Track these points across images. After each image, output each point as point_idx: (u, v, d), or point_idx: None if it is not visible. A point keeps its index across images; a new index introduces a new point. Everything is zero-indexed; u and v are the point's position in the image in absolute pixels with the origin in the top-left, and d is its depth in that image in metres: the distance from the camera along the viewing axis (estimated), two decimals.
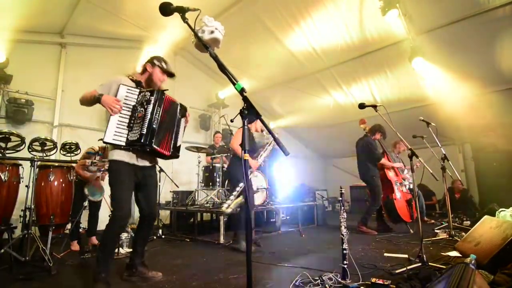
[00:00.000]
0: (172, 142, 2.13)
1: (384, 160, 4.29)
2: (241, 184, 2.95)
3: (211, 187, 4.77)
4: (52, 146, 3.25)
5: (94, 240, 3.42)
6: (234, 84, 1.28)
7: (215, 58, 1.32)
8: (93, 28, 5.12)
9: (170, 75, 2.24)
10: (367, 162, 4.31)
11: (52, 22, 4.78)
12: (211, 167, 4.85)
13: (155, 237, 4.04)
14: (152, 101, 1.95)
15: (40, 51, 4.91)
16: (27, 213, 2.74)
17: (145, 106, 1.95)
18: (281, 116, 8.44)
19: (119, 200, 1.97)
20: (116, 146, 1.97)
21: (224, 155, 5.12)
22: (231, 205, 2.86)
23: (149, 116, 1.93)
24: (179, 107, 2.19)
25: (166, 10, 1.42)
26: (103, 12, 4.56)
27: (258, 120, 3.06)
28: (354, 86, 6.40)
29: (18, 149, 3.13)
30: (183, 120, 2.27)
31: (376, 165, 4.30)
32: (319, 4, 4.66)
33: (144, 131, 1.90)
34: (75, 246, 3.30)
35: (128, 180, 2.02)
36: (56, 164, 3.07)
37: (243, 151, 1.31)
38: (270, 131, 1.53)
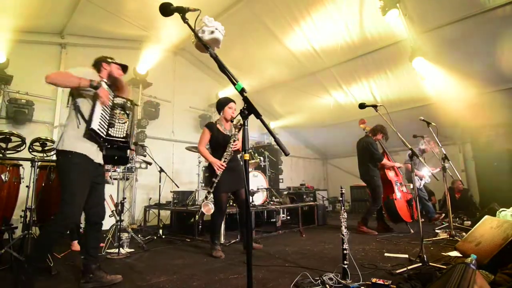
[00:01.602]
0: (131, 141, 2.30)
1: (385, 160, 4.29)
2: (209, 189, 2.94)
3: None
4: (52, 146, 3.25)
5: None
6: (234, 84, 1.28)
7: (215, 58, 1.32)
8: (93, 28, 5.12)
9: (125, 68, 2.34)
10: (368, 162, 4.31)
11: (52, 23, 4.79)
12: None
13: (155, 237, 4.04)
14: (134, 110, 2.22)
15: (40, 51, 4.91)
16: (28, 213, 2.74)
17: (128, 113, 2.17)
18: (281, 116, 8.44)
19: (73, 196, 1.86)
20: (81, 136, 1.94)
21: None
22: (198, 214, 2.92)
23: (131, 121, 2.16)
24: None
25: (166, 10, 1.42)
26: (103, 12, 4.57)
27: (226, 107, 3.09)
28: (354, 86, 6.39)
29: (19, 149, 3.13)
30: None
31: (376, 165, 4.29)
32: (319, 4, 4.66)
33: (129, 132, 2.10)
34: (75, 246, 3.30)
35: (88, 177, 1.97)
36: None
37: (243, 151, 1.31)
38: (270, 131, 1.53)
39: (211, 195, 2.98)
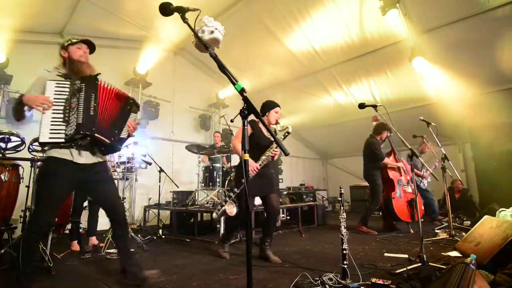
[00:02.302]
0: (115, 131, 1.95)
1: (386, 160, 4.29)
2: (235, 190, 2.72)
3: (211, 187, 4.77)
4: None
5: (94, 240, 3.42)
6: (234, 84, 1.27)
7: (215, 58, 1.32)
8: (93, 28, 5.12)
9: (86, 42, 2.09)
10: (369, 161, 4.33)
11: (52, 22, 4.78)
12: (211, 167, 4.85)
13: (155, 237, 4.04)
14: (84, 88, 1.81)
15: (40, 51, 4.89)
16: (27, 213, 2.74)
17: (77, 95, 1.80)
18: (281, 116, 8.42)
19: (40, 203, 1.81)
20: (51, 147, 1.82)
21: (225, 155, 5.12)
22: (219, 212, 2.68)
23: (83, 104, 1.78)
24: (128, 100, 2.05)
25: (166, 10, 1.42)
26: (103, 12, 4.56)
27: (272, 111, 2.95)
28: (354, 86, 6.40)
29: (18, 149, 3.13)
30: (132, 115, 2.08)
31: (378, 165, 4.30)
32: (319, 4, 4.66)
33: (81, 120, 1.76)
34: (75, 246, 3.30)
35: (61, 183, 1.82)
36: None
37: (243, 151, 1.31)
38: (270, 131, 1.53)
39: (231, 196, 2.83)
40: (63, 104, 1.80)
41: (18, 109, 1.84)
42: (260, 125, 2.94)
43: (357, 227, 4.21)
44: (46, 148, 1.86)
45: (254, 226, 4.22)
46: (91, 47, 2.15)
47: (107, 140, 1.85)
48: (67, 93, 1.82)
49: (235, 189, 2.71)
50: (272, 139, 2.86)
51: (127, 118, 2.06)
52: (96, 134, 1.78)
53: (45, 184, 1.81)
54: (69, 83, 1.85)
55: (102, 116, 1.87)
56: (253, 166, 2.68)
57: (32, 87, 1.86)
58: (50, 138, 1.73)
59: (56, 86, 1.82)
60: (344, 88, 6.55)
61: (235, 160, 5.70)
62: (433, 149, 4.31)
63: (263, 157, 2.75)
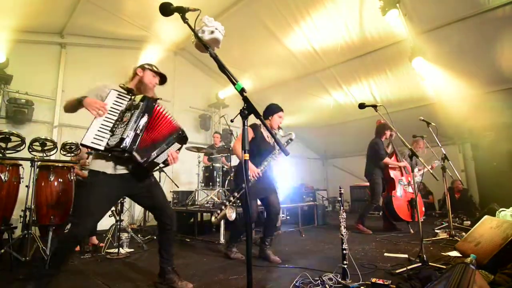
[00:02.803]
0: (153, 154, 1.92)
1: (387, 159, 4.31)
2: (235, 194, 2.67)
3: (211, 187, 4.77)
4: (52, 146, 3.25)
5: (94, 240, 3.42)
6: (234, 84, 1.27)
7: (215, 58, 1.32)
8: (93, 28, 5.12)
9: (162, 77, 2.15)
10: (371, 160, 4.40)
11: (52, 22, 4.78)
12: (211, 167, 4.85)
13: (155, 237, 4.04)
14: (141, 107, 1.84)
15: (40, 51, 4.91)
16: (27, 213, 2.74)
17: (132, 111, 1.83)
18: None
19: (80, 215, 1.83)
20: (97, 154, 1.85)
21: (224, 155, 5.12)
22: (218, 216, 2.64)
23: (134, 120, 1.80)
24: (178, 131, 2.07)
25: (166, 10, 1.42)
26: (103, 12, 4.56)
27: (276, 115, 2.89)
28: (354, 86, 6.39)
29: (18, 149, 3.13)
30: (175, 145, 2.09)
31: (378, 164, 4.33)
32: (319, 4, 4.66)
33: (125, 135, 1.75)
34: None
35: (102, 196, 1.84)
36: (56, 164, 3.07)
37: (243, 151, 1.31)
38: (269, 131, 1.53)
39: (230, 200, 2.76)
40: (116, 115, 1.85)
41: (75, 107, 1.86)
42: (262, 129, 2.90)
43: (355, 226, 4.25)
44: (90, 157, 1.91)
45: (254, 226, 4.22)
46: (163, 82, 2.20)
47: (139, 159, 1.83)
48: (123, 106, 1.88)
49: (235, 193, 2.67)
50: (273, 144, 2.86)
51: (169, 146, 2.04)
52: (133, 153, 1.78)
53: (88, 198, 1.82)
54: (129, 97, 1.92)
55: (146, 137, 1.88)
56: (255, 172, 2.63)
57: (92, 91, 1.90)
58: (92, 142, 1.75)
59: (117, 97, 1.88)
60: (344, 88, 6.55)
61: (235, 160, 5.69)
62: (422, 149, 4.35)
63: (265, 163, 2.72)
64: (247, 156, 1.32)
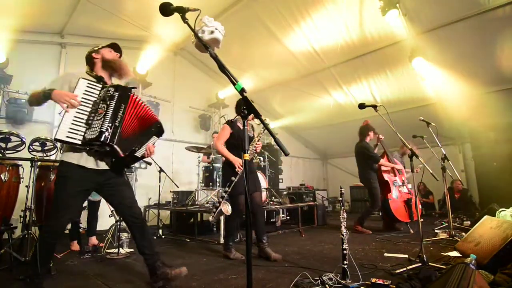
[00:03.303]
0: (132, 147, 1.88)
1: (382, 161, 4.30)
2: (226, 189, 2.74)
3: (211, 187, 4.77)
4: (52, 146, 3.25)
5: (94, 240, 3.42)
6: (234, 84, 1.27)
7: (215, 58, 1.32)
8: (93, 28, 5.12)
9: (116, 47, 2.08)
10: (364, 165, 4.36)
11: (52, 22, 4.79)
12: (211, 167, 4.85)
13: (155, 237, 4.04)
14: (116, 97, 1.76)
15: (40, 51, 4.91)
16: (27, 213, 2.74)
17: (108, 102, 1.74)
18: (281, 116, 8.44)
19: (58, 209, 1.78)
20: (70, 147, 1.77)
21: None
22: (215, 215, 2.69)
23: (111, 112, 1.72)
24: (157, 124, 2.02)
25: (166, 10, 1.42)
26: (103, 12, 4.56)
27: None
28: (354, 86, 6.40)
29: (18, 149, 3.13)
30: (153, 138, 2.03)
31: (372, 167, 4.31)
32: (319, 4, 4.66)
33: (104, 128, 1.68)
34: (75, 246, 3.30)
35: (75, 189, 1.79)
36: (56, 164, 3.06)
37: (243, 152, 1.31)
38: (269, 131, 1.53)
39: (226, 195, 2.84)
40: (90, 106, 1.76)
41: (39, 101, 1.80)
42: (238, 123, 3.02)
43: (353, 226, 4.25)
44: (61, 150, 1.86)
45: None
46: (119, 50, 2.11)
47: (121, 153, 1.79)
48: (96, 96, 1.79)
49: (226, 188, 2.74)
50: (252, 135, 2.97)
51: (148, 139, 2.00)
52: (115, 145, 1.73)
53: (61, 191, 1.78)
54: (100, 86, 1.82)
55: (125, 129, 1.82)
56: (239, 163, 2.76)
57: (55, 82, 1.82)
58: (67, 137, 1.67)
59: (87, 86, 1.78)
60: (344, 88, 6.55)
61: None
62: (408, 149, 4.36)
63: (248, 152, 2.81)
64: (247, 156, 1.32)
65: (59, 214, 1.77)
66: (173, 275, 1.95)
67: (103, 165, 1.87)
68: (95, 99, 1.78)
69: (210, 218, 2.76)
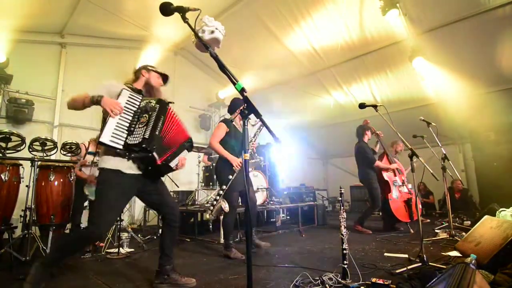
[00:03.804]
0: (169, 157, 1.96)
1: (377, 162, 4.30)
2: (224, 187, 2.79)
3: (211, 187, 4.77)
4: (52, 146, 3.25)
5: None
6: (234, 84, 1.27)
7: (215, 58, 1.32)
8: (93, 28, 5.12)
9: (165, 77, 2.20)
10: (363, 165, 4.37)
11: (52, 22, 4.79)
12: (211, 167, 4.85)
13: (155, 237, 4.04)
14: (157, 109, 1.89)
15: (40, 51, 4.91)
16: (28, 213, 2.74)
17: (150, 113, 1.88)
18: (281, 116, 8.44)
19: (99, 216, 1.81)
20: (109, 152, 1.85)
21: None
22: (213, 211, 2.73)
23: (153, 122, 1.85)
24: (189, 139, 2.13)
25: (166, 10, 1.42)
26: (103, 12, 4.56)
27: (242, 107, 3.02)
28: (354, 86, 6.39)
29: (19, 149, 3.13)
30: (184, 152, 2.12)
31: (372, 167, 4.32)
32: (319, 4, 4.66)
33: (147, 135, 1.79)
34: None
35: (119, 196, 1.86)
36: (57, 164, 3.07)
37: (243, 151, 1.31)
38: (270, 131, 1.52)
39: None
40: (131, 114, 1.89)
41: (84, 106, 1.87)
42: (235, 122, 3.07)
43: (353, 226, 4.25)
44: (100, 152, 1.93)
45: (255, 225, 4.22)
46: (165, 82, 2.22)
47: (158, 160, 1.87)
48: (136, 106, 1.92)
49: (224, 186, 2.78)
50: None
51: (180, 151, 2.09)
52: (154, 152, 1.83)
53: (104, 197, 1.84)
54: (140, 98, 1.96)
55: (164, 139, 1.93)
56: (237, 161, 2.82)
57: (101, 89, 1.90)
58: (110, 141, 1.76)
59: (129, 96, 1.92)
60: (344, 88, 6.55)
61: None
62: (401, 150, 4.53)
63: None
64: (247, 156, 1.32)
65: (101, 219, 1.80)
66: (182, 282, 2.02)
67: (135, 171, 1.93)
68: (136, 109, 1.92)
69: (208, 216, 2.79)
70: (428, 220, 5.22)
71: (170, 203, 2.10)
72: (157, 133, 1.85)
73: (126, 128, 1.84)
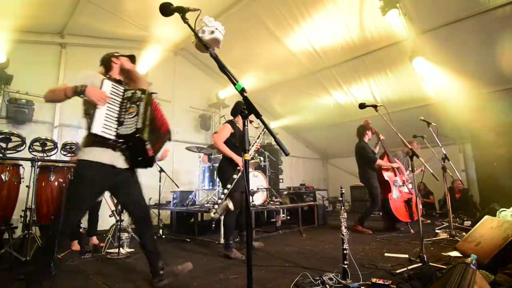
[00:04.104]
0: (157, 147, 1.99)
1: (379, 161, 4.29)
2: (229, 186, 2.83)
3: (211, 187, 4.77)
4: (52, 146, 3.25)
5: (95, 240, 3.43)
6: (234, 84, 1.27)
7: (215, 58, 1.32)
8: (93, 28, 5.12)
9: (133, 58, 2.19)
10: (363, 165, 4.37)
11: (52, 22, 4.78)
12: (211, 167, 4.85)
13: (155, 237, 4.03)
14: (144, 100, 1.88)
15: (40, 51, 4.91)
16: (28, 213, 2.75)
17: (137, 103, 1.87)
18: (281, 116, 8.44)
19: (74, 206, 1.80)
20: (91, 143, 1.81)
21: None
22: (217, 210, 2.75)
23: (142, 112, 1.83)
24: (169, 129, 2.14)
25: (166, 10, 1.42)
26: (103, 12, 4.56)
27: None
28: (354, 86, 6.39)
29: (19, 149, 3.13)
30: (167, 142, 2.14)
31: (372, 167, 4.31)
32: (319, 4, 4.66)
33: (140, 125, 1.80)
34: (75, 246, 3.30)
35: (95, 188, 1.86)
36: (57, 164, 3.07)
37: (243, 152, 1.31)
38: (270, 131, 1.53)
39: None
40: (118, 105, 1.89)
41: (69, 96, 1.81)
42: (237, 123, 3.16)
43: (353, 226, 4.25)
44: (81, 143, 1.90)
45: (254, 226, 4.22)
46: (134, 61, 2.22)
47: (150, 152, 1.89)
48: (121, 97, 1.92)
49: (228, 185, 2.82)
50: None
51: (164, 142, 2.11)
52: (147, 144, 1.84)
53: (77, 189, 1.81)
54: (123, 88, 1.96)
55: (152, 129, 1.91)
56: (242, 161, 2.79)
57: (83, 79, 1.85)
58: (102, 131, 1.76)
59: (112, 87, 1.91)
60: (344, 88, 6.55)
61: None
62: (417, 149, 4.39)
63: (250, 152, 2.98)
64: (247, 156, 1.32)
65: (75, 211, 1.81)
66: (179, 271, 2.01)
67: (122, 164, 1.92)
68: (121, 99, 1.92)
69: (212, 214, 2.78)
70: (429, 221, 5.21)
71: (143, 202, 2.07)
72: (147, 123, 1.84)
73: (116, 119, 1.84)
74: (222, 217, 3.10)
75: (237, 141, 3.03)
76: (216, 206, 2.76)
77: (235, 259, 2.82)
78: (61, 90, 1.80)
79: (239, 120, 3.18)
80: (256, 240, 3.50)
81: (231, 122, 3.10)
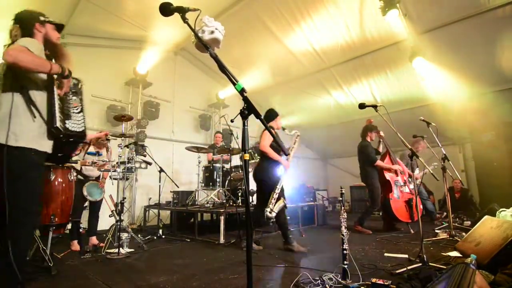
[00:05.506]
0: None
1: (379, 162, 4.29)
2: (279, 186, 3.05)
3: (211, 187, 4.77)
4: None
5: (95, 240, 3.43)
6: (234, 84, 1.27)
7: (215, 58, 1.32)
8: (93, 28, 5.12)
9: (61, 27, 1.87)
10: (365, 165, 4.37)
11: None
12: (211, 167, 4.86)
13: (155, 237, 4.04)
14: (81, 92, 1.72)
15: None
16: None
17: (80, 97, 1.70)
18: (281, 116, 8.41)
19: (37, 202, 1.58)
20: (25, 126, 1.51)
21: (225, 154, 5.12)
22: (274, 209, 2.94)
23: (82, 107, 1.68)
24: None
25: (166, 10, 1.42)
26: (103, 12, 4.56)
27: (278, 117, 3.54)
28: (354, 86, 6.40)
29: None
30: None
31: (374, 167, 4.31)
32: (319, 4, 4.66)
33: (85, 124, 1.67)
34: (75, 246, 3.30)
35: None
36: (56, 165, 3.06)
37: (242, 151, 1.31)
38: (270, 131, 1.54)
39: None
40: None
41: (38, 71, 1.59)
42: (272, 130, 3.33)
43: (353, 226, 4.25)
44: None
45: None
46: (60, 31, 1.93)
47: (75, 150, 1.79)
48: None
49: (278, 185, 3.07)
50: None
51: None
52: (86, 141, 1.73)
53: (38, 179, 1.59)
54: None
55: None
56: (288, 164, 3.27)
57: (38, 51, 1.58)
58: (60, 125, 1.57)
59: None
60: (344, 88, 6.55)
61: (235, 160, 5.69)
62: (424, 148, 4.46)
63: (289, 157, 3.38)
64: (247, 156, 1.32)
65: (37, 204, 1.59)
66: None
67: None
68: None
69: (268, 214, 2.92)
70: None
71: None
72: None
73: (63, 110, 1.61)
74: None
75: (275, 145, 3.32)
76: (270, 206, 2.95)
77: (297, 251, 3.00)
78: (43, 60, 1.53)
79: (276, 124, 3.55)
80: (256, 240, 3.49)
81: (268, 129, 3.23)
